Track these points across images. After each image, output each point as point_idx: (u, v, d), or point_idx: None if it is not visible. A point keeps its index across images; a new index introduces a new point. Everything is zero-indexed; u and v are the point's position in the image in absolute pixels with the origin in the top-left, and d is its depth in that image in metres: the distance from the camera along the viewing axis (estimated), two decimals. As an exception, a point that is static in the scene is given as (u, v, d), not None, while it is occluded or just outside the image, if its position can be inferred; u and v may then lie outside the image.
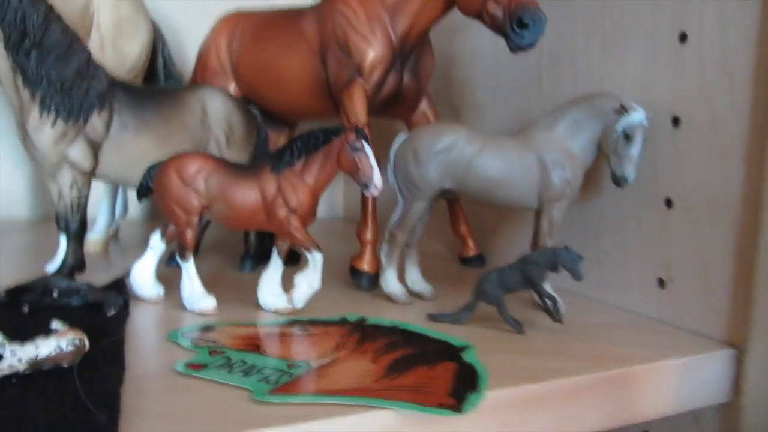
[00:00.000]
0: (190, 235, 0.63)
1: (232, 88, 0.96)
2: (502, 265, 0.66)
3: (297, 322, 0.63)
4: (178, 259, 0.65)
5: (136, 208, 1.18)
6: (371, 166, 0.61)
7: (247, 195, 0.63)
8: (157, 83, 1.04)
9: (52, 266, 0.75)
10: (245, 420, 0.42)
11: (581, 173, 0.69)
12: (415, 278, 0.75)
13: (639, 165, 0.66)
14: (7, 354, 0.43)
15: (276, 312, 0.65)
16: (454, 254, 0.98)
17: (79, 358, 0.47)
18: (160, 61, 1.05)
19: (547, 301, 0.64)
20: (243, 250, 0.86)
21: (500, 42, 0.79)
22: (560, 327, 0.65)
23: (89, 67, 0.73)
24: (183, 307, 0.65)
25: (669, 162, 0.68)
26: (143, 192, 0.66)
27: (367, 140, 0.62)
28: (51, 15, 0.71)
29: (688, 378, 0.59)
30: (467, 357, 0.55)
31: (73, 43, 0.72)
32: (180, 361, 0.50)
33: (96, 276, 0.75)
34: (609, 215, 0.75)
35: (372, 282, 0.78)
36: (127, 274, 0.68)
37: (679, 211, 0.67)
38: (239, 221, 0.64)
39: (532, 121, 0.73)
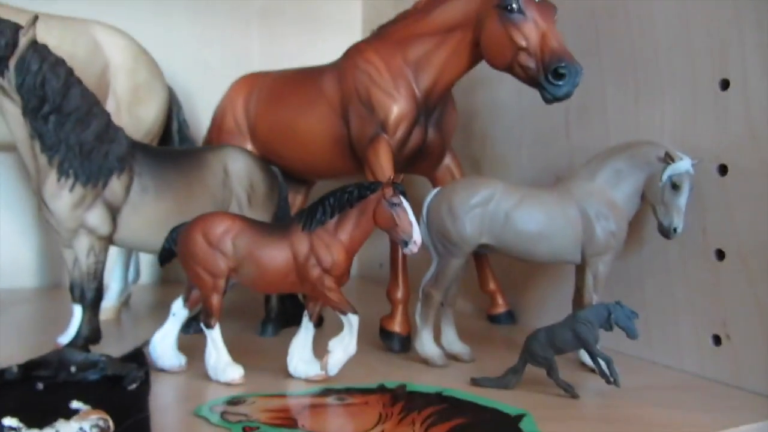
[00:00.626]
0: (216, 300, 0.59)
1: (249, 148, 0.94)
2: (535, 324, 0.62)
3: (331, 391, 0.58)
4: (202, 326, 0.60)
5: (147, 272, 1.14)
6: (410, 222, 0.58)
7: (277, 255, 0.59)
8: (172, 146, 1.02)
9: (65, 338, 0.70)
10: None
11: (625, 225, 0.66)
12: (451, 339, 0.70)
13: (685, 215, 0.63)
14: (27, 441, 0.39)
15: (307, 380, 0.61)
16: (481, 311, 0.94)
17: (104, 441, 0.42)
18: (174, 125, 1.04)
19: (602, 362, 0.60)
20: (264, 313, 0.81)
21: (523, 94, 0.78)
22: (614, 390, 0.60)
23: (109, 130, 0.71)
24: (205, 377, 0.60)
25: (717, 212, 0.65)
26: (166, 256, 0.62)
27: (404, 195, 0.59)
28: (71, 79, 0.69)
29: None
30: (526, 428, 0.50)
31: (92, 106, 0.70)
32: (213, 440, 0.45)
33: (108, 345, 0.70)
34: (654, 269, 0.71)
35: (404, 344, 0.73)
36: (146, 343, 0.64)
37: (732, 263, 0.64)
38: (269, 284, 0.60)
39: (570, 172, 0.70)
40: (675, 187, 0.63)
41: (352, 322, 0.60)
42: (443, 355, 0.68)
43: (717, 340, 0.65)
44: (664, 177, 0.63)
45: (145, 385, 0.56)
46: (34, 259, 1.12)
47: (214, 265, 0.59)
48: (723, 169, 0.65)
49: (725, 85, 0.64)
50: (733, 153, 0.64)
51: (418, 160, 0.85)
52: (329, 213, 0.60)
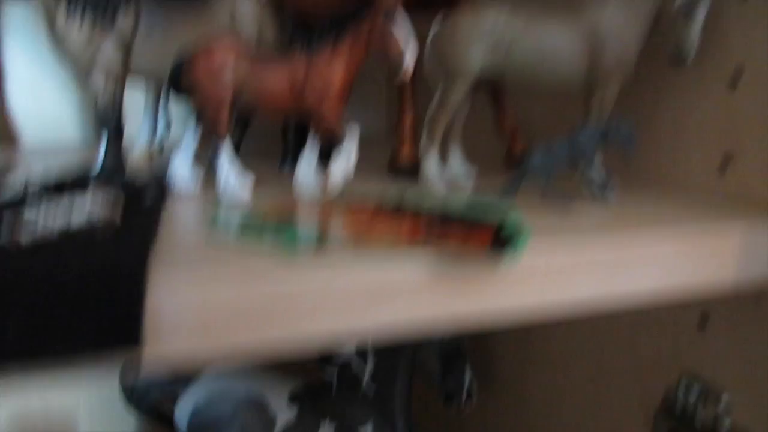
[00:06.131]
0: (224, 113, 0.61)
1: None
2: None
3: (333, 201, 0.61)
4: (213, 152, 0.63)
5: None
6: (405, 42, 0.58)
7: (276, 82, 0.61)
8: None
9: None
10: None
11: (635, 51, 0.63)
12: (455, 164, 0.73)
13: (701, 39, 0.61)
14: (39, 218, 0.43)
15: (312, 192, 0.64)
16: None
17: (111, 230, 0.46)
18: None
19: (594, 176, 0.60)
20: (281, 151, 0.85)
21: None
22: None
23: None
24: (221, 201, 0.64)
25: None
26: (175, 81, 0.65)
27: (398, 16, 0.58)
28: None
29: (752, 249, 0.54)
30: (509, 216, 0.52)
31: None
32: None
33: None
34: (667, 91, 0.70)
35: (412, 176, 0.76)
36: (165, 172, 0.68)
37: (746, 88, 0.62)
38: (269, 110, 0.62)
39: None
40: (687, 15, 0.59)
41: (348, 147, 0.62)
42: (447, 178, 0.70)
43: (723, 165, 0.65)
44: (677, 3, 0.60)
45: (160, 202, 0.60)
46: (76, 114, 1.18)
47: (219, 88, 0.61)
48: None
49: None
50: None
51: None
52: (325, 40, 0.60)
